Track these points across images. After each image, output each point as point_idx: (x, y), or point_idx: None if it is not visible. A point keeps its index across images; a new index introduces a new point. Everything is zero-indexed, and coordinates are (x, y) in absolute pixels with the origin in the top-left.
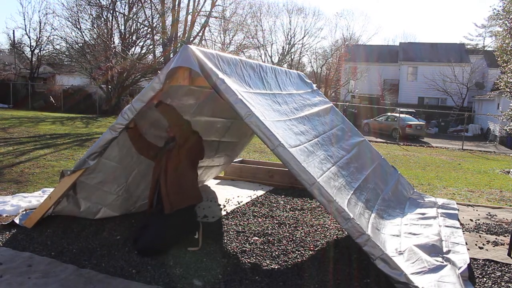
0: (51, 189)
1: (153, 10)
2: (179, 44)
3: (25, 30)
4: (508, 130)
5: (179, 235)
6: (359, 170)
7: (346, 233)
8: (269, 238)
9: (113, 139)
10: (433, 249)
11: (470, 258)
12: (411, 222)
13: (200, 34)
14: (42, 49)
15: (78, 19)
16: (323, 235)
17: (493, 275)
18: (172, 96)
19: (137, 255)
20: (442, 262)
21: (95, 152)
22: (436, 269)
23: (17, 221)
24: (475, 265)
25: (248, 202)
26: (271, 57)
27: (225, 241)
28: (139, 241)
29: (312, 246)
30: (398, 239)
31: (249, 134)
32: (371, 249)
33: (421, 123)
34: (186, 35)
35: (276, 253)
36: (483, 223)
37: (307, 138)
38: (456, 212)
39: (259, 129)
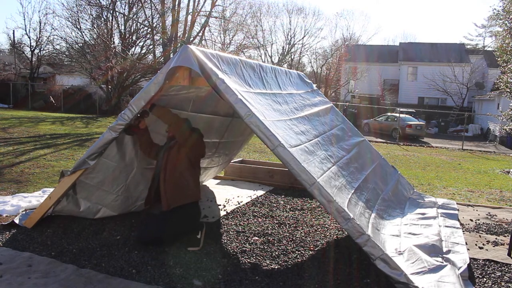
0: (51, 189)
1: (153, 10)
2: (179, 44)
3: (25, 30)
4: (508, 130)
5: (180, 232)
6: (359, 170)
7: (346, 233)
8: (269, 238)
9: (112, 139)
10: (433, 249)
11: (470, 258)
12: (411, 222)
13: (200, 34)
14: (42, 49)
15: (78, 19)
16: (323, 235)
17: (493, 275)
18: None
19: (137, 254)
20: (442, 262)
21: (94, 153)
22: (436, 269)
23: (17, 221)
24: (475, 265)
25: (248, 202)
26: (271, 57)
27: (225, 241)
28: (142, 232)
29: (312, 246)
30: (398, 239)
31: (247, 133)
32: (371, 249)
33: (421, 123)
34: (186, 35)
35: (276, 253)
36: (483, 223)
37: (308, 138)
38: (456, 212)
39: (259, 129)
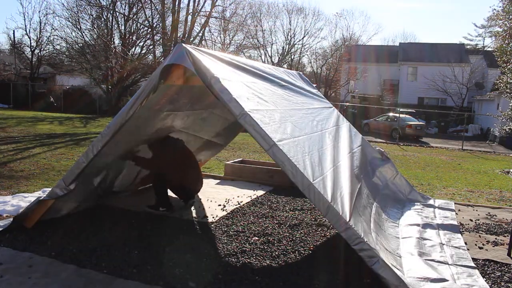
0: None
1: (153, 10)
2: None
3: (25, 30)
4: (507, 130)
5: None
6: (358, 171)
7: None
8: (269, 238)
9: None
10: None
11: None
12: (410, 234)
13: (200, 34)
14: (42, 49)
15: (78, 20)
16: (323, 235)
17: (492, 275)
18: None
19: (137, 254)
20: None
21: (72, 178)
22: (437, 280)
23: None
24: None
25: (248, 202)
26: (271, 57)
27: (225, 241)
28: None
29: (312, 246)
30: (396, 242)
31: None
32: (369, 253)
33: (421, 123)
34: (186, 35)
35: (276, 253)
36: (483, 223)
37: (306, 131)
38: (456, 223)
39: (254, 128)
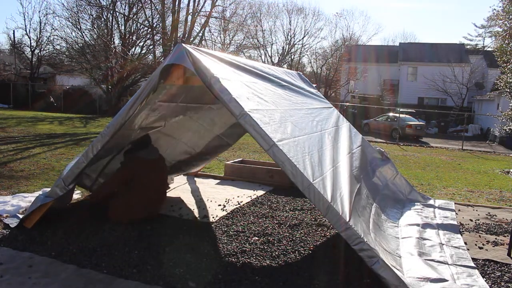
0: None
1: (153, 10)
2: None
3: (25, 30)
4: (507, 130)
5: None
6: (358, 171)
7: None
8: (269, 238)
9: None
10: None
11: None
12: (410, 234)
13: (200, 34)
14: (42, 49)
15: (78, 20)
16: (323, 235)
17: (492, 275)
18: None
19: (137, 254)
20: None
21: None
22: (437, 280)
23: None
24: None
25: (248, 202)
26: (271, 57)
27: (225, 241)
28: None
29: (312, 246)
30: (396, 243)
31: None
32: (369, 253)
33: (421, 123)
34: (186, 35)
35: (276, 253)
36: (483, 223)
37: (306, 131)
38: (456, 223)
39: (254, 128)
